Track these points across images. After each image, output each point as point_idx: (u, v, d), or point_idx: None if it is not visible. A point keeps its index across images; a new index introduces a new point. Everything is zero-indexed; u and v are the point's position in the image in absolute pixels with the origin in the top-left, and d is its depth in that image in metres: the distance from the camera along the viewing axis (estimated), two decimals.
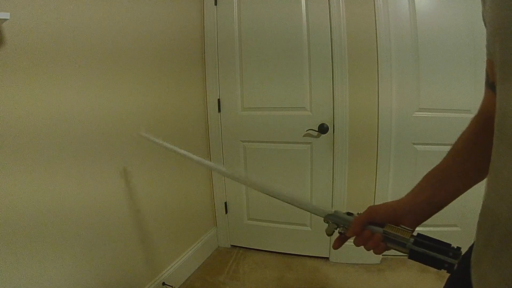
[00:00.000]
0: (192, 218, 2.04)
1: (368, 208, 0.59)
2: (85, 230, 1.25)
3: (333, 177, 1.99)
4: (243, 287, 1.85)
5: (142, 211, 1.58)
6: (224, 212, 2.28)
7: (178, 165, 1.86)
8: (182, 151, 0.99)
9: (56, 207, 1.13)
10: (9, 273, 0.98)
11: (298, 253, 2.15)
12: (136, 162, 1.52)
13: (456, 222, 1.90)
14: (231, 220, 2.29)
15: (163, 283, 1.69)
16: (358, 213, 0.60)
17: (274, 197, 0.68)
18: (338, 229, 0.61)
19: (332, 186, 2.00)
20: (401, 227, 0.55)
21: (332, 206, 2.00)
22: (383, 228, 0.56)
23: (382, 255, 2.01)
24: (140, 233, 1.57)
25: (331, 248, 2.05)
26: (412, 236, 0.53)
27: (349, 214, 0.61)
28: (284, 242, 2.17)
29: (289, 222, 2.14)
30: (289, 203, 0.67)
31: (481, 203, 0.45)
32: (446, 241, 0.52)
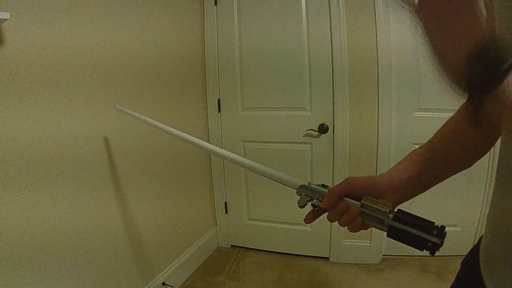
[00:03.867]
0: (192, 218, 2.04)
1: (345, 179, 0.54)
2: (85, 236, 1.25)
3: (333, 177, 1.99)
4: (243, 287, 1.85)
5: (142, 212, 1.58)
6: (224, 212, 2.28)
7: (178, 166, 1.86)
8: (160, 125, 0.96)
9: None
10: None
11: (298, 253, 2.15)
12: (136, 165, 1.52)
13: (456, 222, 1.90)
14: (231, 220, 2.29)
15: (163, 283, 1.70)
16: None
17: (248, 169, 0.67)
18: (311, 201, 0.56)
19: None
20: (380, 200, 0.50)
21: None
22: (360, 201, 0.50)
23: (382, 255, 2.02)
24: (140, 234, 1.58)
25: (331, 248, 2.05)
26: (392, 211, 0.48)
27: (324, 186, 0.56)
28: (284, 242, 2.17)
29: (289, 222, 2.14)
30: (262, 175, 0.64)
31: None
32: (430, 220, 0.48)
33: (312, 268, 2.01)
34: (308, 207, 0.57)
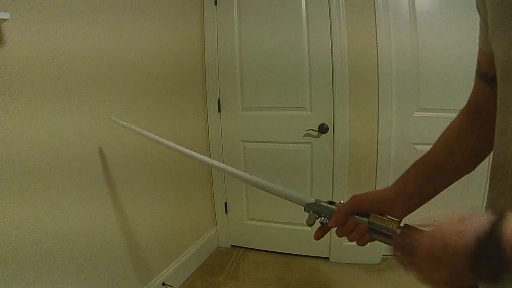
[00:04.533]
0: (192, 218, 2.04)
1: (351, 197, 0.55)
2: (84, 238, 1.25)
3: (333, 177, 1.99)
4: (243, 287, 1.85)
5: (142, 213, 1.58)
6: (224, 212, 2.28)
7: (178, 166, 1.86)
8: (153, 136, 0.96)
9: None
10: None
11: (298, 253, 2.15)
12: (136, 166, 1.52)
13: None
14: (231, 220, 2.29)
15: (163, 283, 1.70)
16: (340, 202, 0.57)
17: (253, 185, 0.66)
18: (319, 219, 0.57)
19: (332, 187, 2.00)
20: (387, 217, 0.51)
21: None
22: (368, 219, 0.52)
23: (382, 255, 2.02)
24: (140, 234, 1.57)
25: (331, 248, 2.05)
26: (399, 227, 0.49)
27: (331, 203, 0.57)
28: (284, 242, 2.17)
29: (289, 222, 2.14)
30: (269, 192, 0.64)
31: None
32: None
33: (312, 268, 2.01)
34: (317, 223, 0.58)
